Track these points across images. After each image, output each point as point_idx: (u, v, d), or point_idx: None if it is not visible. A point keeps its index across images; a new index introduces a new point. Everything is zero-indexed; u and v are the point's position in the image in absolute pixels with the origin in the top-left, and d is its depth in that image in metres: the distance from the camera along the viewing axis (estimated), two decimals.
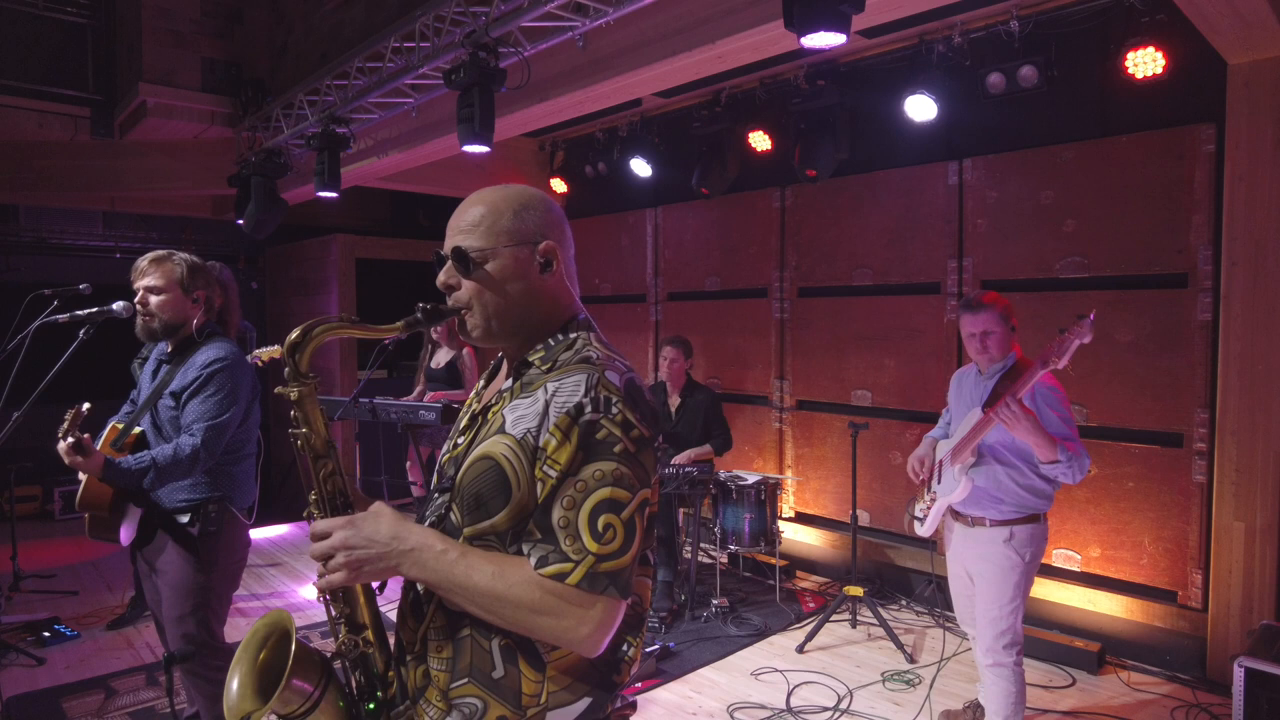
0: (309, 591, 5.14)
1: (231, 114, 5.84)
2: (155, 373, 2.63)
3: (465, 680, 1.18)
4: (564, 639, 1.12)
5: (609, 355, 1.24)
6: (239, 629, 4.07)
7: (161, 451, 2.40)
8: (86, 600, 4.92)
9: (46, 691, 3.71)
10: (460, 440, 1.30)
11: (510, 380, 1.28)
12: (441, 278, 1.27)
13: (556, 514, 1.12)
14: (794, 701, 3.56)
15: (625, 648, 1.24)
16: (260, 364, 2.91)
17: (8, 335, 2.51)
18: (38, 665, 3.97)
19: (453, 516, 1.22)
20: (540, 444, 1.14)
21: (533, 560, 1.13)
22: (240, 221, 5.76)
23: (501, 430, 1.18)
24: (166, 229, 7.70)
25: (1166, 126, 3.84)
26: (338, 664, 1.29)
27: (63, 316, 2.50)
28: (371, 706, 1.26)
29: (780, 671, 3.85)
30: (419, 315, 1.25)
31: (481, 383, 1.42)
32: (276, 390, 1.28)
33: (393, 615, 1.33)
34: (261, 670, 1.24)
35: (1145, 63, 3.70)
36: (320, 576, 1.18)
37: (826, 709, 3.49)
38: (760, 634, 4.31)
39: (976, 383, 2.98)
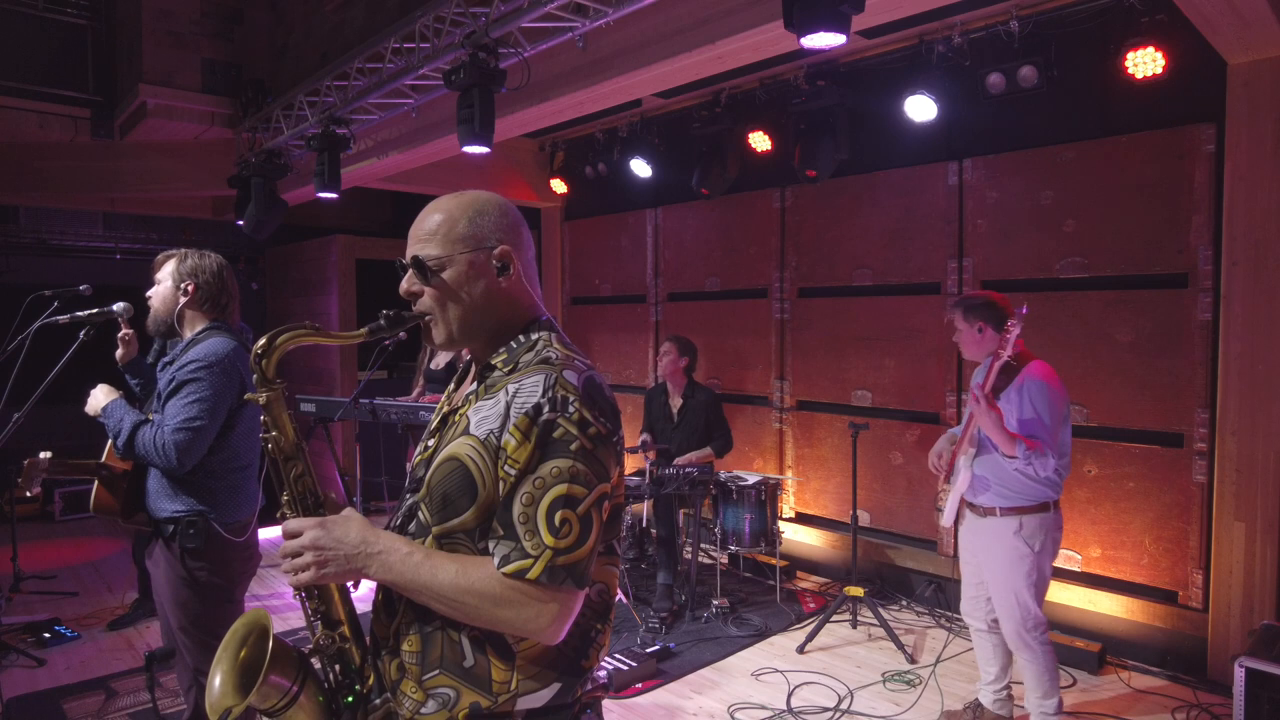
0: None
1: (231, 115, 5.85)
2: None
3: (437, 671, 1.23)
4: (525, 630, 1.18)
5: (568, 355, 1.28)
6: None
7: (146, 428, 2.33)
8: (87, 601, 4.93)
9: (47, 693, 3.72)
10: (430, 443, 1.34)
11: (475, 383, 1.33)
12: (404, 286, 1.32)
13: (516, 510, 1.17)
14: (794, 702, 3.56)
15: (593, 634, 1.29)
16: None
17: (8, 336, 2.51)
18: (38, 666, 3.98)
19: (421, 515, 1.26)
20: (501, 444, 1.19)
21: (495, 559, 1.18)
22: (240, 222, 5.77)
23: (466, 432, 1.23)
24: (166, 230, 7.71)
25: (1166, 126, 3.84)
26: (315, 660, 1.32)
27: (63, 318, 2.49)
28: (349, 700, 1.30)
29: (781, 672, 3.85)
30: (382, 322, 1.31)
31: (452, 386, 1.47)
32: (247, 396, 1.34)
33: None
34: (242, 668, 1.28)
35: (1145, 63, 3.70)
36: (289, 573, 1.24)
37: (827, 709, 3.49)
38: (761, 634, 4.31)
39: (980, 375, 3.07)
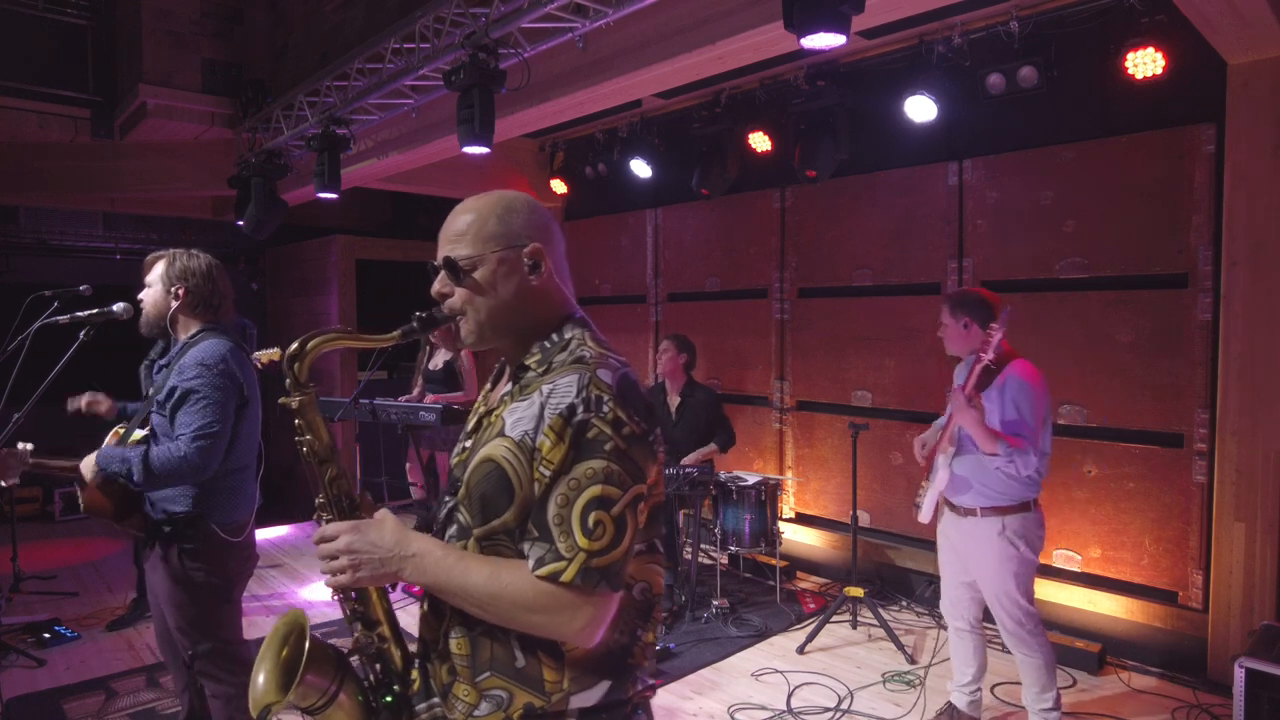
0: (309, 592, 5.14)
1: (231, 115, 5.84)
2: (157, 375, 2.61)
3: (489, 673, 1.22)
4: (558, 634, 1.17)
5: (602, 353, 1.26)
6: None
7: (156, 450, 2.33)
8: (87, 601, 4.93)
9: (47, 693, 3.72)
10: (467, 444, 1.34)
11: (510, 384, 1.32)
12: (435, 287, 1.32)
13: (551, 511, 1.16)
14: (794, 702, 3.56)
15: (638, 632, 1.28)
16: (259, 366, 2.86)
17: (8, 336, 2.51)
18: (38, 666, 3.97)
19: (461, 517, 1.26)
20: (536, 444, 1.18)
21: (530, 561, 1.17)
22: (240, 222, 5.77)
23: (501, 433, 1.23)
24: (166, 230, 7.70)
25: (1166, 126, 3.84)
26: (356, 659, 1.33)
27: (63, 318, 2.48)
28: (388, 699, 1.30)
29: (781, 672, 3.85)
30: (414, 324, 1.32)
31: (488, 385, 1.45)
32: (280, 400, 1.32)
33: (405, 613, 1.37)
34: (285, 666, 1.29)
35: (1145, 63, 3.70)
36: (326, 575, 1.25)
37: (827, 710, 3.49)
38: (761, 635, 4.31)
39: (961, 373, 3.09)
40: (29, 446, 2.39)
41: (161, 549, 2.45)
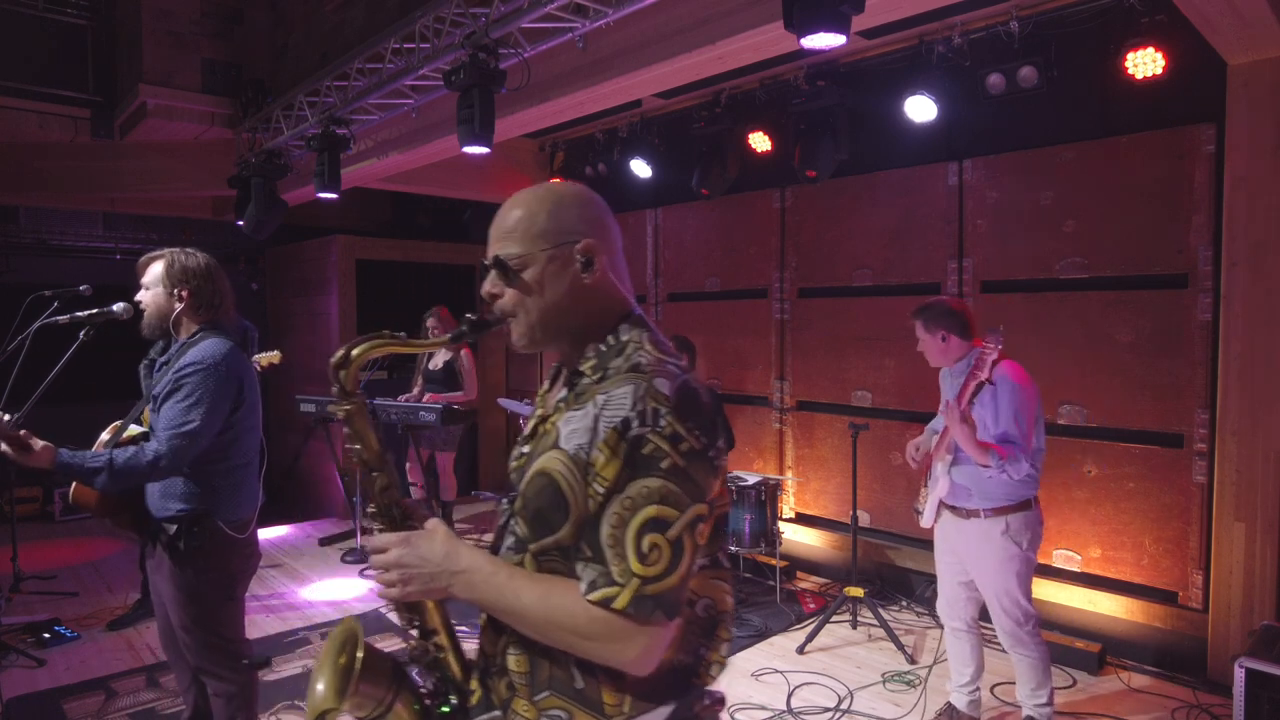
0: (309, 592, 5.14)
1: (232, 115, 5.85)
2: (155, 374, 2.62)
3: (548, 692, 1.18)
4: (611, 661, 1.12)
5: (660, 360, 1.19)
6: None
7: (122, 453, 2.31)
8: (87, 601, 4.93)
9: (47, 693, 3.72)
10: (525, 449, 1.29)
11: (565, 390, 1.26)
12: (485, 287, 1.26)
13: (604, 532, 1.10)
14: (794, 702, 3.56)
15: (702, 651, 1.23)
16: (259, 369, 2.86)
17: (8, 336, 2.51)
18: (38, 666, 3.98)
19: (518, 530, 1.22)
20: (590, 459, 1.12)
21: (583, 584, 1.11)
22: (240, 222, 5.77)
23: (556, 445, 1.17)
24: (166, 230, 7.70)
25: (1166, 126, 3.84)
26: (414, 668, 1.31)
27: (63, 318, 2.48)
28: (446, 709, 1.27)
29: (781, 672, 3.85)
30: (465, 327, 1.27)
31: (545, 386, 1.41)
32: (328, 408, 1.30)
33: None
34: (342, 673, 1.27)
35: (1145, 63, 3.70)
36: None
37: (827, 710, 3.49)
38: (760, 635, 4.31)
39: (953, 380, 3.06)
40: (7, 417, 2.31)
41: (167, 547, 2.45)
